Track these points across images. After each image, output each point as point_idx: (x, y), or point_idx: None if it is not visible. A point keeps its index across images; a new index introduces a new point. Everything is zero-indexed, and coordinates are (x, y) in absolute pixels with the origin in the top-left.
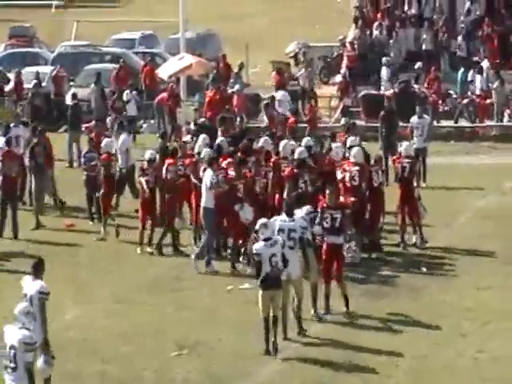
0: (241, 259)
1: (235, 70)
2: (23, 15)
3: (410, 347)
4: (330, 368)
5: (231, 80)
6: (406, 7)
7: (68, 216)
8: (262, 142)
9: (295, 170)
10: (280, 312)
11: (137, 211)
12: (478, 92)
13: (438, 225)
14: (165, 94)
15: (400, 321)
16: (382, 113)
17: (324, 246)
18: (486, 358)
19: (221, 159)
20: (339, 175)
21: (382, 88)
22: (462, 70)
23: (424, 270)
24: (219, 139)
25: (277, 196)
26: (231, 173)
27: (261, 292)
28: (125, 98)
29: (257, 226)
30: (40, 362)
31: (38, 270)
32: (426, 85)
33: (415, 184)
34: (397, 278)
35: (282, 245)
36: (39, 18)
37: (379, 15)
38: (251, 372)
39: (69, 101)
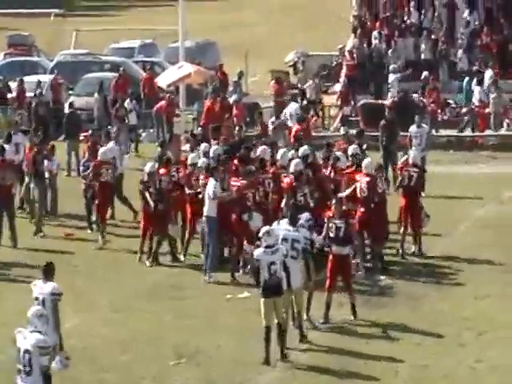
0: (240, 270)
1: (234, 78)
2: (22, 24)
3: (409, 356)
4: (330, 376)
5: (230, 89)
6: (405, 17)
7: (67, 224)
8: (261, 150)
9: (294, 183)
10: (284, 319)
11: (138, 222)
12: (476, 102)
13: (437, 234)
14: (163, 103)
15: (399, 330)
16: (383, 122)
17: (330, 257)
18: (485, 367)
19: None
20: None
21: (389, 95)
22: (467, 79)
23: (422, 279)
24: (214, 148)
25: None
26: (234, 183)
27: (262, 300)
28: (127, 106)
29: (260, 234)
30: (56, 363)
31: (48, 273)
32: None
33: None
34: (396, 287)
35: (284, 254)
36: (38, 27)
37: (378, 24)
38: (250, 379)
39: (67, 109)
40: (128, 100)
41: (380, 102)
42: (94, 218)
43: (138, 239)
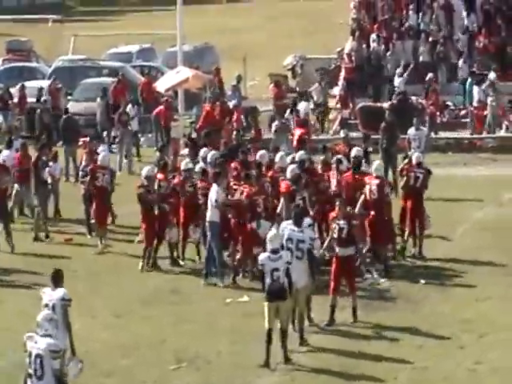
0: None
1: (233, 82)
2: (20, 29)
3: (409, 358)
4: (330, 379)
5: (228, 93)
6: (403, 19)
7: (65, 229)
8: (260, 155)
9: (292, 187)
10: (288, 324)
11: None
12: (475, 103)
13: (436, 236)
14: (162, 107)
15: (399, 332)
16: (383, 124)
17: (334, 259)
18: (486, 369)
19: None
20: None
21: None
22: (470, 80)
23: (422, 281)
24: (212, 153)
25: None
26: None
27: (266, 303)
28: (129, 112)
29: (267, 237)
30: (70, 366)
31: (56, 280)
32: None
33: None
34: (396, 290)
35: (287, 261)
36: (36, 33)
37: (376, 27)
38: (250, 383)
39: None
40: (130, 105)
41: (379, 104)
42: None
43: (137, 244)
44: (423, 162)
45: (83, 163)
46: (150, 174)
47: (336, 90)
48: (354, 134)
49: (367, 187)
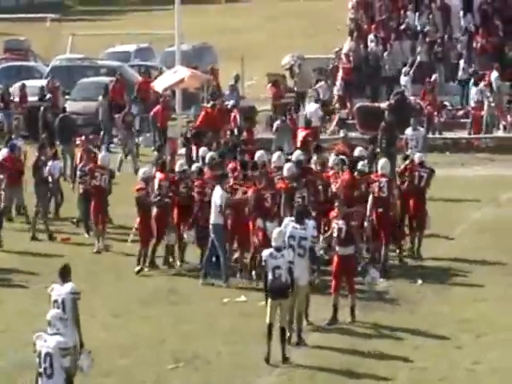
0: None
1: (231, 82)
2: (18, 29)
3: (407, 358)
4: (327, 379)
5: (226, 92)
6: (401, 19)
7: (63, 229)
8: (258, 155)
9: (292, 184)
10: (287, 322)
11: (137, 229)
12: (473, 103)
13: (434, 236)
14: (160, 107)
15: (397, 332)
16: (383, 124)
17: (334, 258)
18: (484, 369)
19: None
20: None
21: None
22: (473, 81)
23: (420, 281)
24: (211, 154)
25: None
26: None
27: (269, 300)
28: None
29: (273, 235)
30: (82, 358)
31: (64, 275)
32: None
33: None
34: (394, 290)
35: (289, 260)
36: (34, 32)
37: (374, 27)
38: (249, 383)
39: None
40: (133, 105)
41: (376, 104)
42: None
43: (136, 243)
44: (425, 162)
45: (82, 163)
46: (148, 176)
47: (334, 90)
48: (353, 134)
49: (375, 185)
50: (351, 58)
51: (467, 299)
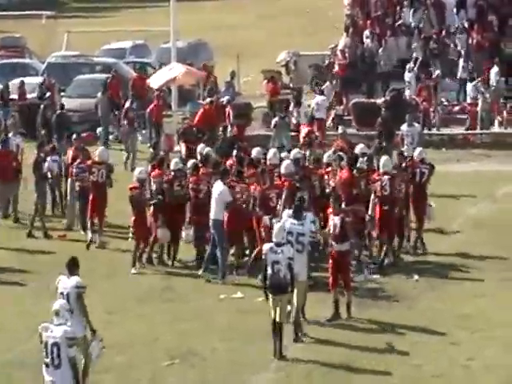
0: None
1: (227, 79)
2: (14, 26)
3: (404, 355)
4: (324, 375)
5: (223, 89)
6: (397, 16)
7: (59, 225)
8: (255, 152)
9: (295, 183)
10: (285, 317)
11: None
12: (469, 99)
13: (431, 232)
14: (155, 102)
15: (394, 329)
16: (379, 120)
17: (330, 254)
18: (481, 366)
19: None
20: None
21: (408, 92)
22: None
23: (416, 277)
24: (208, 149)
25: None
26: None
27: (270, 296)
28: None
29: (274, 230)
30: (93, 346)
31: (72, 268)
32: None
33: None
34: (391, 286)
35: (289, 256)
36: (30, 29)
37: (369, 23)
38: (245, 381)
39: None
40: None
41: (372, 101)
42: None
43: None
44: (425, 158)
45: (77, 160)
46: (143, 176)
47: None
48: (349, 131)
49: (377, 185)
50: (347, 55)
51: (464, 295)
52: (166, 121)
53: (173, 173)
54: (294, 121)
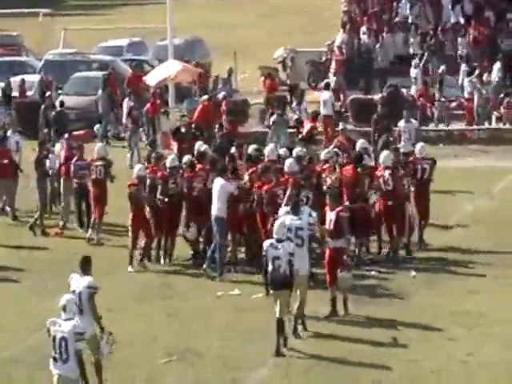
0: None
1: (224, 75)
2: (10, 24)
3: (401, 351)
4: (322, 372)
5: (219, 86)
6: (393, 12)
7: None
8: (251, 149)
9: (301, 181)
10: (284, 313)
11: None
12: (466, 94)
13: (428, 228)
14: (152, 100)
15: (391, 325)
16: (375, 117)
17: (326, 251)
18: (478, 362)
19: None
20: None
21: (413, 87)
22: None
23: (413, 273)
24: (203, 147)
25: None
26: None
27: (271, 292)
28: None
29: (275, 225)
30: (102, 345)
31: (85, 267)
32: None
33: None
34: (387, 282)
35: (289, 252)
36: (27, 27)
37: (366, 20)
38: (242, 378)
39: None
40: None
41: (369, 97)
42: (85, 217)
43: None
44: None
45: (75, 158)
46: (142, 173)
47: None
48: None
49: (380, 180)
50: (344, 51)
51: (461, 291)
52: (163, 118)
53: (168, 170)
54: (295, 117)
